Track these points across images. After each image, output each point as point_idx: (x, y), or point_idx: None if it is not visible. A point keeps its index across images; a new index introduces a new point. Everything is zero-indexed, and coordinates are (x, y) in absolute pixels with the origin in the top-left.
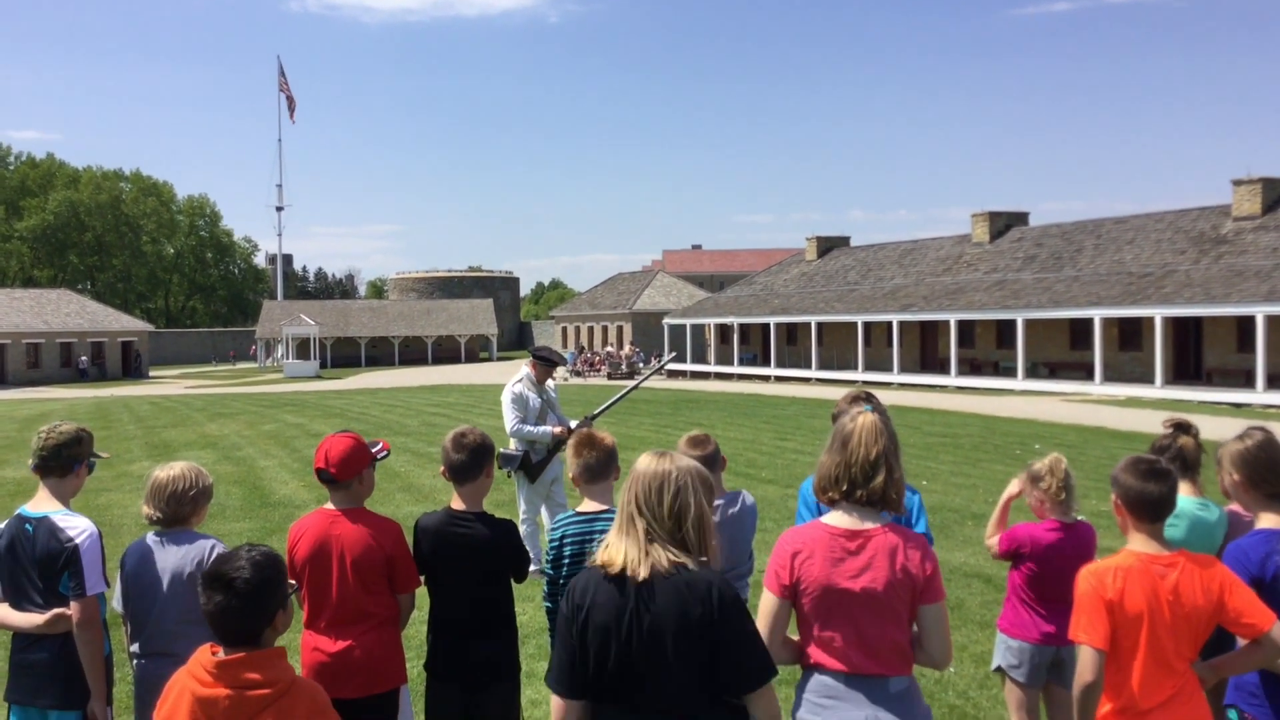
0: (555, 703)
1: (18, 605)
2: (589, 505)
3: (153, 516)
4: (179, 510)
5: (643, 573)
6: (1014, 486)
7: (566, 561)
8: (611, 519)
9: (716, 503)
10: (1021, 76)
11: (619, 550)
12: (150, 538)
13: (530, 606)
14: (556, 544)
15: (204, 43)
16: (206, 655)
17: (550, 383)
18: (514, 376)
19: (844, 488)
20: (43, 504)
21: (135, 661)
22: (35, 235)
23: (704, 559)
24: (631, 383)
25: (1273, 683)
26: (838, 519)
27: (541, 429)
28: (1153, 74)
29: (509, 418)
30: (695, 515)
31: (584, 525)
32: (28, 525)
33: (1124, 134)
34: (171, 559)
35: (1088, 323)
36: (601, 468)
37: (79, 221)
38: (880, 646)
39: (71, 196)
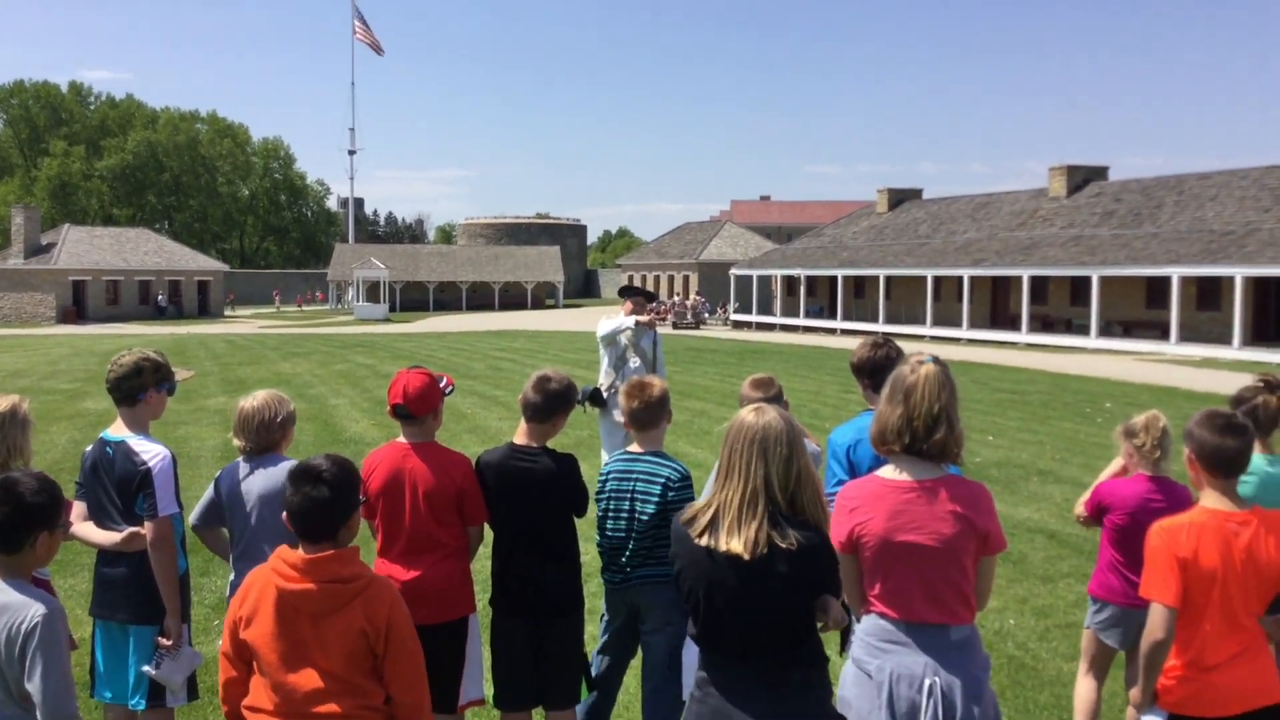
0: None
1: (100, 524)
2: (636, 447)
3: (244, 447)
4: (268, 437)
5: (729, 546)
6: (1116, 463)
7: (603, 497)
8: (655, 462)
9: None
10: (1101, 24)
11: (706, 513)
12: (241, 463)
13: (593, 546)
14: (602, 480)
15: None
16: (289, 553)
17: (650, 333)
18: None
19: (906, 440)
20: (121, 430)
21: (231, 578)
22: (114, 174)
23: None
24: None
25: None
26: (896, 472)
27: (616, 327)
28: (1240, 24)
29: (602, 326)
30: (788, 471)
31: (626, 465)
32: (108, 448)
33: (1210, 87)
34: (259, 483)
35: (1165, 281)
36: (649, 417)
37: (157, 162)
38: (944, 596)
39: (150, 137)
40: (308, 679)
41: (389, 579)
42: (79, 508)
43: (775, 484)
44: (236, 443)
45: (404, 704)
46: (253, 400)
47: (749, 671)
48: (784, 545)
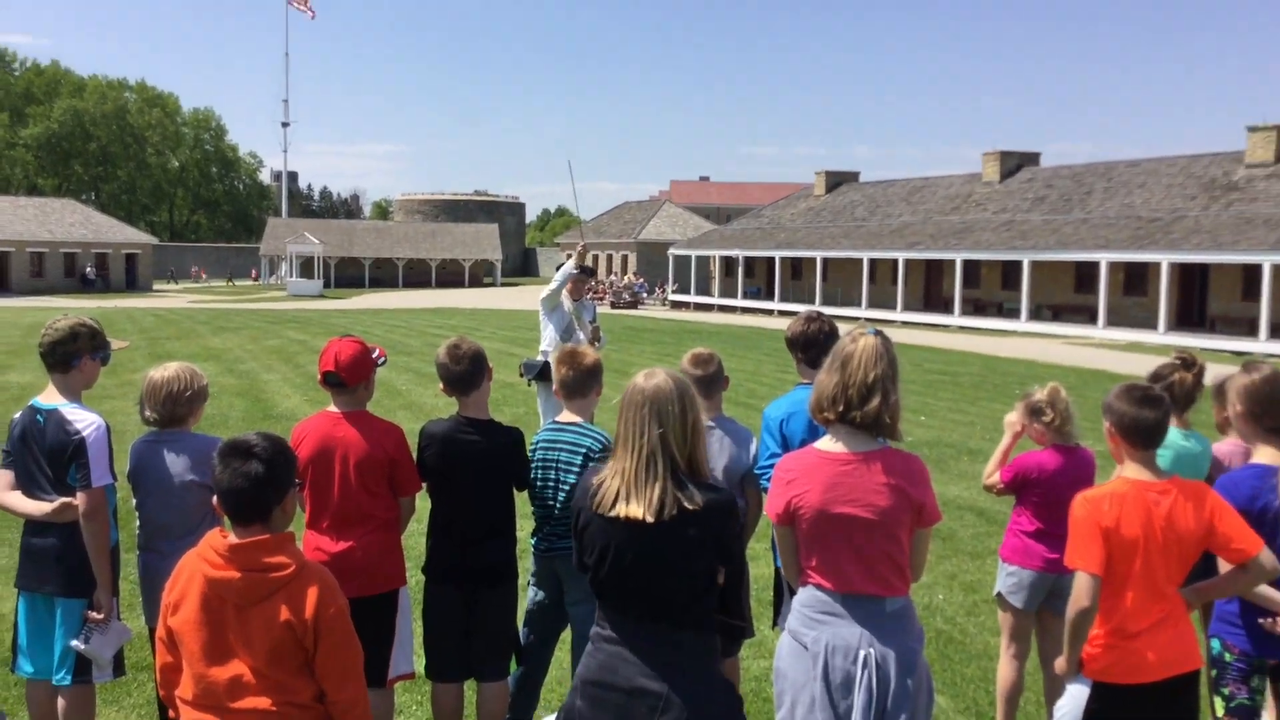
0: None
1: (29, 493)
2: (566, 417)
3: (150, 417)
4: (175, 411)
5: (630, 511)
6: (1015, 423)
7: (535, 465)
8: (579, 433)
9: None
10: (1035, 12)
11: (611, 482)
12: (148, 438)
13: (529, 523)
14: (532, 449)
15: None
16: (218, 539)
17: (591, 307)
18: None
19: (840, 408)
20: (53, 397)
21: (139, 555)
22: (40, 143)
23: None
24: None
25: (1251, 613)
26: (833, 443)
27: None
28: (1172, 15)
29: (547, 289)
30: (684, 428)
31: (553, 435)
32: (39, 416)
33: (1140, 76)
34: (168, 459)
35: (1093, 266)
36: (578, 384)
37: (84, 131)
38: (878, 568)
39: (76, 105)
40: (228, 671)
41: (323, 566)
42: (6, 476)
43: (673, 443)
44: (144, 414)
45: (336, 702)
46: (164, 371)
47: (648, 630)
48: (690, 506)
